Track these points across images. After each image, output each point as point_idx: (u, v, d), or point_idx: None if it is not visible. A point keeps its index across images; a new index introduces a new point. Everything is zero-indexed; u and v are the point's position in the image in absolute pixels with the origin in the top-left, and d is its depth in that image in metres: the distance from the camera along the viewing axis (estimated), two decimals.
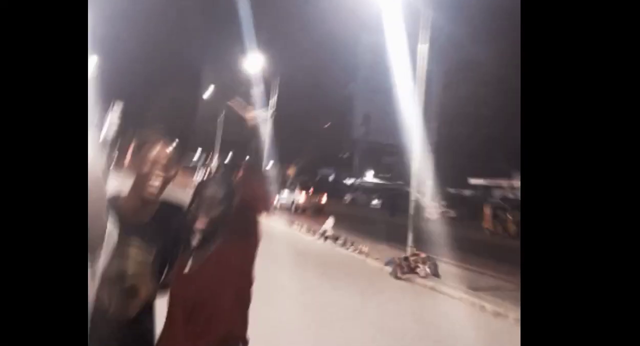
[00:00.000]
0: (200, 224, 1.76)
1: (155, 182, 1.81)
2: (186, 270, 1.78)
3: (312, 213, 22.21)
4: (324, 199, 23.78)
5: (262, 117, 1.72)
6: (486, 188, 22.60)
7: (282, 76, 24.44)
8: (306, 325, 5.70)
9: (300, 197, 23.84)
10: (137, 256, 1.80)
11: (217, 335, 1.69)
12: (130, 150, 1.89)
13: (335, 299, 7.39)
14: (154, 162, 1.82)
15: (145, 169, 1.81)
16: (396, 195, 24.17)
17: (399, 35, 12.87)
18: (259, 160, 1.77)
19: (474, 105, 28.67)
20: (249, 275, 1.81)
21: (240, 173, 1.77)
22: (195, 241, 1.79)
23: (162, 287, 1.87)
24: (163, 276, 1.89)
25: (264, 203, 1.75)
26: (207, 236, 1.77)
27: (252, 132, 1.74)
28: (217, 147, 33.93)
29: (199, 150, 39.85)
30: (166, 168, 1.83)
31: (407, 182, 20.28)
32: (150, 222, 1.86)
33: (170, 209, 1.94)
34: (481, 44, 29.32)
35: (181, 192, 2.17)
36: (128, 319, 1.77)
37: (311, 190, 24.07)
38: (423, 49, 11.97)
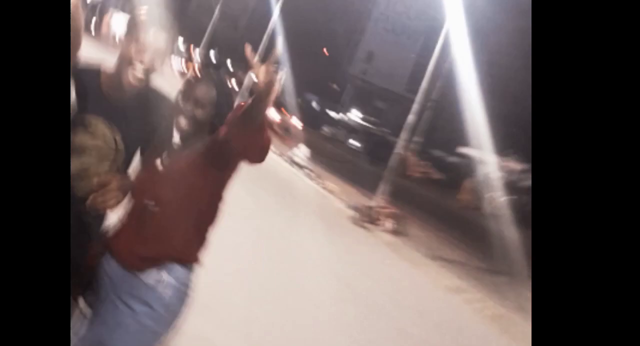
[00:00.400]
0: (184, 122, 1.68)
1: (139, 72, 1.74)
2: (158, 165, 1.73)
3: (283, 134, 21.85)
4: (298, 123, 23.42)
5: (275, 77, 1.48)
6: (474, 160, 22.92)
7: None
8: (252, 252, 5.42)
9: (275, 115, 23.38)
10: (102, 134, 1.77)
11: (169, 247, 1.64)
12: (107, 20, 1.63)
13: (287, 232, 7.05)
14: (143, 49, 1.74)
15: (132, 54, 1.74)
16: (380, 143, 24.03)
17: None
18: (261, 114, 1.54)
19: (484, 74, 28.29)
20: (218, 192, 1.72)
21: (236, 115, 1.58)
22: (174, 139, 1.75)
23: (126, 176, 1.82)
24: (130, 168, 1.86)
25: (259, 156, 1.61)
26: (188, 137, 1.71)
27: (262, 90, 1.47)
28: (205, 41, 32.45)
29: (181, 39, 37.66)
30: (154, 58, 1.77)
31: (395, 133, 19.97)
32: (129, 104, 1.81)
33: (154, 96, 1.89)
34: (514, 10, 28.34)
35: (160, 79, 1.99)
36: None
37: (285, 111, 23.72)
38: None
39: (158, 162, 1.74)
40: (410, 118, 12.69)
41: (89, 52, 1.87)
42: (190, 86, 1.72)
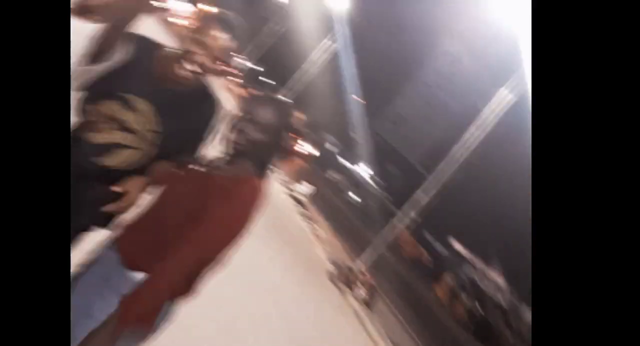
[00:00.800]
0: (235, 135, 1.62)
1: (192, 66, 1.69)
2: (192, 173, 1.67)
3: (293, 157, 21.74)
4: (309, 150, 23.28)
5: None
6: (461, 259, 22.81)
7: (355, 15, 23.70)
8: (218, 280, 5.22)
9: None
10: (146, 121, 1.72)
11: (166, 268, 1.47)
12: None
13: (262, 267, 6.84)
14: (206, 48, 1.68)
15: (192, 47, 1.69)
16: (379, 207, 24.06)
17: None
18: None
19: (504, 178, 28.51)
20: (234, 236, 1.57)
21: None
22: (219, 151, 1.67)
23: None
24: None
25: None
26: (235, 156, 1.64)
27: None
28: (256, 55, 32.73)
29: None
30: (213, 59, 1.70)
31: (396, 202, 19.87)
32: (178, 99, 1.76)
33: (203, 94, 1.85)
34: None
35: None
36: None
37: (302, 138, 23.81)
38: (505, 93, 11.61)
39: (196, 167, 1.70)
40: (418, 194, 12.73)
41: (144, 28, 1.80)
42: (254, 106, 1.67)
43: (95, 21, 1.59)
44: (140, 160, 1.76)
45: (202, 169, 1.68)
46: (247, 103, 1.69)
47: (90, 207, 1.73)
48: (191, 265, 1.49)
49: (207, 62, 1.70)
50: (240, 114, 1.65)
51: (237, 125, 1.64)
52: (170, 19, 26.41)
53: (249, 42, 32.54)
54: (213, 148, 1.78)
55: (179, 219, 1.54)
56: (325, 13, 26.24)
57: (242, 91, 28.34)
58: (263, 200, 1.61)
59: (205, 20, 1.72)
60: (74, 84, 1.61)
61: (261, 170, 1.67)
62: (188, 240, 1.48)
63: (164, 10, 26.69)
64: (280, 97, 1.75)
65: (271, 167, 1.72)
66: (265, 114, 1.65)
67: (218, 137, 1.73)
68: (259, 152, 1.65)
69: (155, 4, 27.24)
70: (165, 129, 1.76)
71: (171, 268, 1.45)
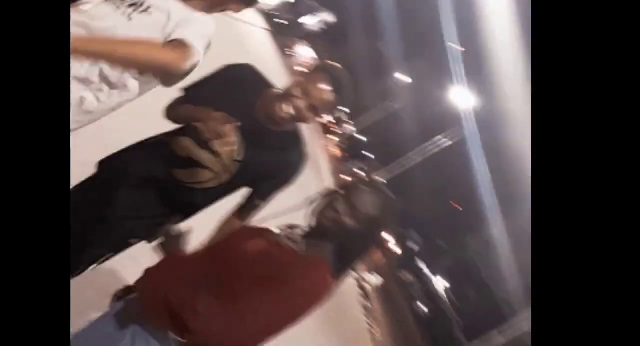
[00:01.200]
0: (325, 210, 1.56)
1: (290, 110, 1.78)
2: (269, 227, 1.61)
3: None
4: (391, 245, 22.92)
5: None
6: None
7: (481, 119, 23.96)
8: None
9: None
10: (230, 147, 1.77)
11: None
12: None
13: None
14: (308, 94, 1.78)
15: (295, 91, 1.79)
16: (445, 328, 22.89)
17: None
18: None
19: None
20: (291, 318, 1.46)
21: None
22: (302, 219, 1.61)
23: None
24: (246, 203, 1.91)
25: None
26: (316, 229, 1.56)
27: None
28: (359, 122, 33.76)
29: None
30: (312, 109, 1.79)
31: (468, 331, 18.73)
32: (268, 138, 1.84)
33: (294, 142, 1.92)
34: None
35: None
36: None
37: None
38: None
39: (280, 233, 1.59)
40: (493, 334, 12.07)
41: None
42: (358, 190, 1.60)
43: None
44: (212, 183, 1.83)
45: (276, 231, 1.60)
46: (351, 183, 1.66)
47: (147, 220, 1.82)
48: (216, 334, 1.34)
49: (303, 108, 1.78)
50: (340, 191, 1.60)
51: (331, 200, 1.58)
52: (296, 68, 27.97)
53: (362, 112, 33.60)
54: (295, 213, 1.68)
55: (227, 276, 1.44)
56: (449, 106, 26.56)
57: (340, 154, 28.73)
58: (329, 297, 1.49)
59: (317, 70, 1.85)
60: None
61: (339, 263, 1.53)
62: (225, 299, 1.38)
63: (292, 56, 28.61)
64: (388, 191, 1.64)
65: (354, 265, 1.62)
66: (367, 204, 1.57)
67: (306, 203, 1.64)
68: (344, 238, 1.54)
69: (287, 51, 29.41)
70: (246, 161, 1.82)
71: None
